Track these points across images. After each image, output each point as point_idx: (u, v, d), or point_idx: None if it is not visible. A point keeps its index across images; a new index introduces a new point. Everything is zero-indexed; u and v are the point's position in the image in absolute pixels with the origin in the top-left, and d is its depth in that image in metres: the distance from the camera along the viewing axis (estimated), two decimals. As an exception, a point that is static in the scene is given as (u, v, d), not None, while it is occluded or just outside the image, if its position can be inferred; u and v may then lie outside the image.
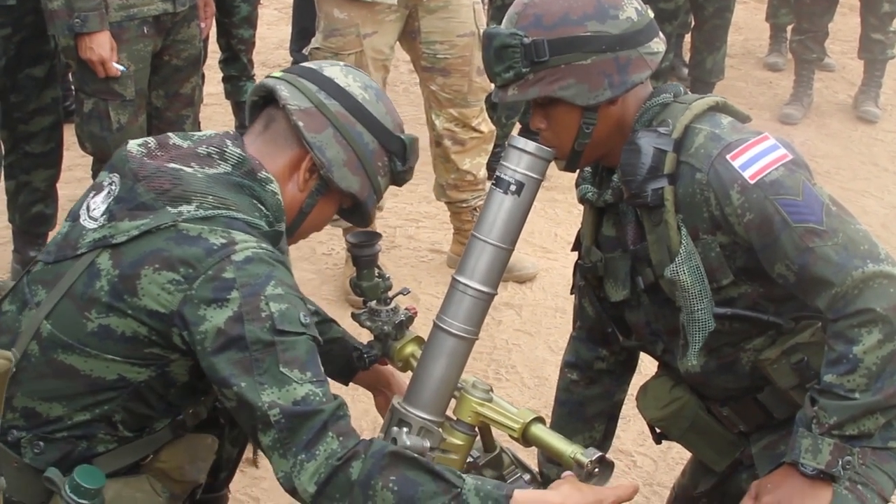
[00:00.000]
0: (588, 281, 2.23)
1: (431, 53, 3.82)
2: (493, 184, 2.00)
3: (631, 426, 3.38)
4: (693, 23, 5.62)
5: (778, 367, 2.03)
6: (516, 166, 1.96)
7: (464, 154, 3.99)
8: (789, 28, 6.32)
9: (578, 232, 2.24)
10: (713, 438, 2.21)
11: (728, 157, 1.93)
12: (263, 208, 1.92)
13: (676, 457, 3.23)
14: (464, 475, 1.81)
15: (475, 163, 4.01)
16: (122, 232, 1.83)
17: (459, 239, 4.20)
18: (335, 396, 1.81)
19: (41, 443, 1.89)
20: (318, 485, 1.74)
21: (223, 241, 1.81)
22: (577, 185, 2.21)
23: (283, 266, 1.86)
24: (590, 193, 2.14)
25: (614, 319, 2.24)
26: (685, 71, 6.09)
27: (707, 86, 5.64)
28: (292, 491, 1.78)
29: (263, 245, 1.85)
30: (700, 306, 1.98)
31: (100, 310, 1.84)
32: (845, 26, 6.61)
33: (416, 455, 1.80)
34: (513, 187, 1.96)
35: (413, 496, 1.74)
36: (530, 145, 1.97)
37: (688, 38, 5.87)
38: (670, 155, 1.96)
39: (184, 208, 1.83)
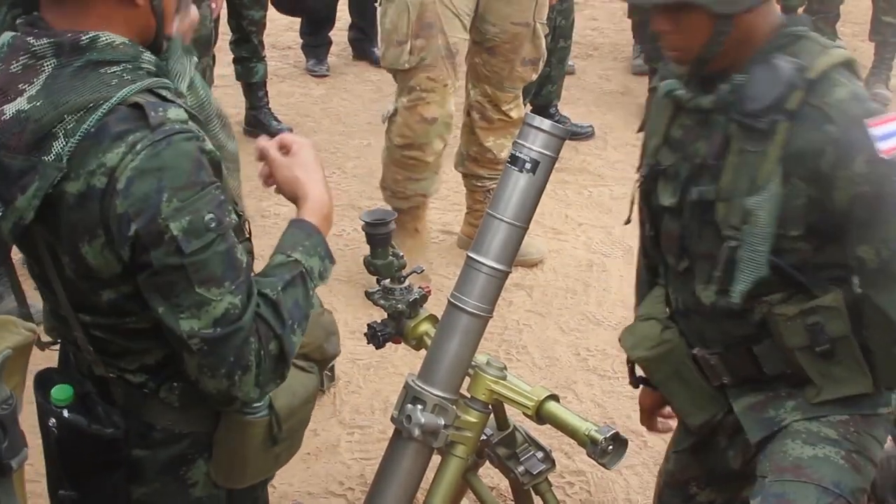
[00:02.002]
0: (644, 183, 2.15)
1: (482, 31, 3.81)
2: (508, 162, 2.00)
3: (642, 406, 3.39)
4: (704, 4, 5.61)
5: (792, 324, 1.98)
6: (532, 144, 1.96)
7: (488, 132, 4.02)
8: (800, 10, 6.31)
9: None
10: (693, 389, 2.16)
11: (868, 122, 1.86)
12: (116, 68, 1.72)
13: (687, 437, 3.24)
14: (291, 254, 1.81)
15: (498, 143, 4.02)
16: (25, 209, 1.69)
17: (470, 220, 4.21)
18: (249, 290, 1.72)
19: (174, 383, 1.87)
20: (260, 386, 1.75)
21: (103, 178, 1.65)
22: (658, 76, 2.14)
23: (168, 141, 1.66)
24: (679, 91, 2.04)
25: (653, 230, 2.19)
26: (695, 53, 6.08)
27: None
28: (231, 401, 1.76)
29: (140, 132, 1.65)
30: (763, 248, 1.93)
31: (96, 285, 1.77)
32: (856, 8, 6.59)
33: (281, 283, 1.77)
34: (528, 165, 1.96)
35: (304, 312, 1.80)
36: (546, 123, 1.97)
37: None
38: (799, 92, 1.88)
39: (55, 147, 1.66)
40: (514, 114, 4.00)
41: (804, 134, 1.88)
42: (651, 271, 2.28)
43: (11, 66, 1.70)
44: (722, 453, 2.19)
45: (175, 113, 1.70)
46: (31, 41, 1.70)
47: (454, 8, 3.69)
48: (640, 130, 2.21)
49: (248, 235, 1.91)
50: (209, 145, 1.74)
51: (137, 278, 1.71)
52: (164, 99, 1.72)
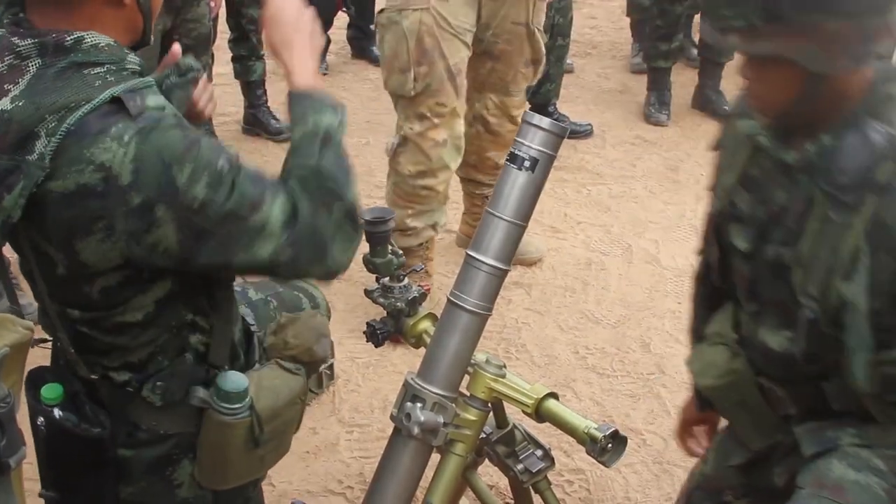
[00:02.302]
0: (716, 217, 2.06)
1: (481, 38, 3.70)
2: (507, 160, 1.99)
3: (640, 405, 3.39)
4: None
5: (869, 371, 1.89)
6: (531, 142, 1.96)
7: (492, 145, 3.97)
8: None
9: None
10: (758, 417, 2.10)
11: None
12: (100, 69, 1.71)
13: (686, 435, 3.23)
14: (305, 124, 1.85)
15: (500, 153, 3.95)
16: (12, 208, 1.68)
17: (468, 220, 4.21)
18: (283, 185, 1.79)
19: (157, 382, 1.90)
20: (345, 252, 1.82)
21: (96, 175, 1.65)
22: (736, 108, 2.03)
23: (153, 125, 1.68)
24: (762, 138, 1.91)
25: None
26: (694, 52, 6.08)
27: (716, 66, 5.63)
28: (332, 276, 1.85)
29: (122, 123, 1.66)
30: (867, 328, 1.82)
31: (90, 276, 1.78)
32: (855, 7, 6.59)
33: (314, 142, 1.82)
34: (527, 163, 1.96)
35: (347, 167, 1.85)
36: (545, 122, 1.97)
37: (697, 18, 5.86)
38: (890, 164, 1.76)
39: (37, 146, 1.65)
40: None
41: (893, 209, 1.78)
42: (709, 288, 2.20)
43: None
44: (768, 468, 2.13)
45: (153, 100, 1.72)
46: (17, 41, 1.70)
47: (452, 28, 3.57)
48: (713, 149, 2.11)
49: None
50: (188, 125, 1.77)
51: (193, 257, 1.73)
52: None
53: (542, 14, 3.85)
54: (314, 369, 2.14)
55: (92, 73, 1.70)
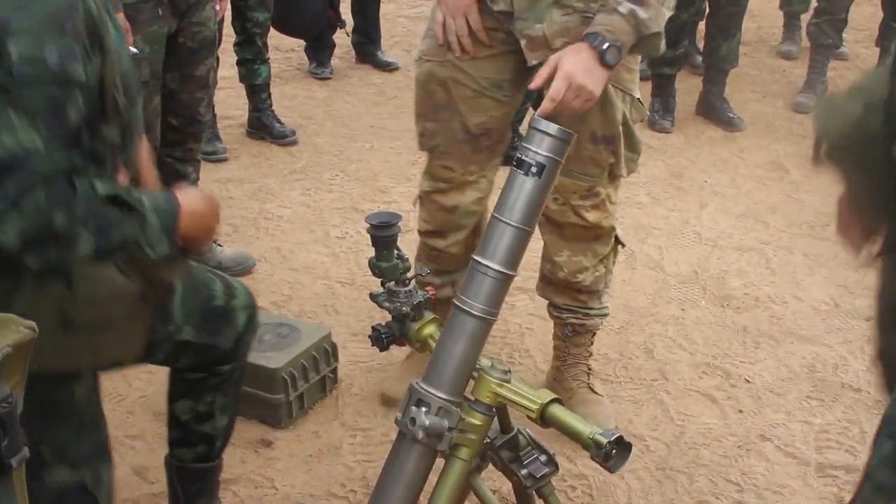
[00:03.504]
0: None
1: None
2: (514, 166, 2.00)
3: (643, 411, 3.39)
4: (708, 10, 5.62)
5: None
6: (538, 148, 1.96)
7: (560, 242, 3.11)
8: (803, 16, 6.33)
9: None
10: (877, 186, 1.75)
11: None
12: None
13: (689, 441, 3.23)
14: (140, 194, 1.89)
15: (574, 261, 3.11)
16: None
17: (556, 363, 3.60)
18: (66, 155, 1.78)
19: None
20: (20, 237, 1.75)
21: None
22: None
23: None
24: None
25: None
26: (699, 58, 6.08)
27: (721, 73, 5.64)
28: None
29: None
30: None
31: None
32: (860, 15, 6.60)
33: (113, 191, 1.83)
34: (534, 169, 1.97)
35: (109, 232, 1.81)
36: (552, 127, 1.97)
37: (702, 25, 5.87)
38: None
39: None
40: (590, 216, 3.00)
41: None
42: None
43: None
44: None
45: None
46: None
47: (478, 84, 2.91)
48: None
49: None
50: (94, 7, 1.84)
51: None
52: None
53: (621, 69, 2.79)
54: (152, 289, 2.11)
55: None
